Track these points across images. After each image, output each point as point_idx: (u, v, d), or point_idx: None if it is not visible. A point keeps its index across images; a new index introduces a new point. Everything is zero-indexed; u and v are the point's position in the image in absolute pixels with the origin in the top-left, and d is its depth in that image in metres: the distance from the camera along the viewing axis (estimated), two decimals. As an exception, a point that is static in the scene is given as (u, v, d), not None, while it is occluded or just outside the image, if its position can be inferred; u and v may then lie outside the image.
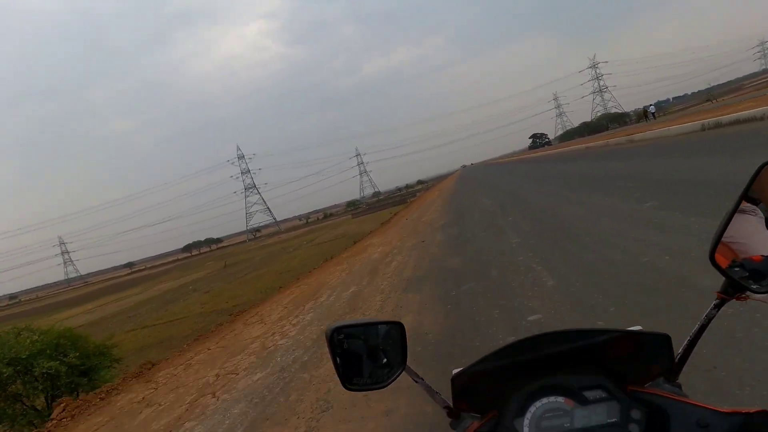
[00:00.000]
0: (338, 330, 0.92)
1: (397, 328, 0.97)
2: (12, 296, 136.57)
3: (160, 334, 12.65)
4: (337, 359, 0.92)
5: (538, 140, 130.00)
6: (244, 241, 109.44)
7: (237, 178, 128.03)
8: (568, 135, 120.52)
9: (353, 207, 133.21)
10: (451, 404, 0.85)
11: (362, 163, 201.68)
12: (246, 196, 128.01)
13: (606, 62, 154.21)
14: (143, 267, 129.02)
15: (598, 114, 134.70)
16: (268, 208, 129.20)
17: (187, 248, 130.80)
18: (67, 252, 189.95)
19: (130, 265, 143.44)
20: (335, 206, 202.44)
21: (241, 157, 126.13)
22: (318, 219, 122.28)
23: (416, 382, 0.93)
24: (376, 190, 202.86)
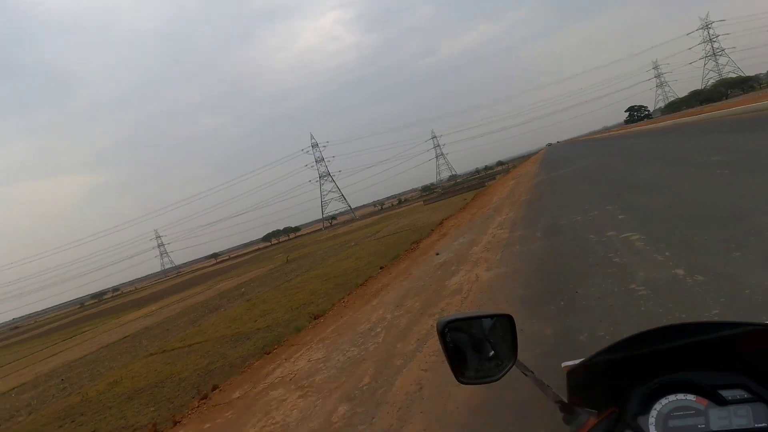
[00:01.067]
0: (449, 324, 0.97)
1: (507, 320, 1.01)
2: (115, 288, 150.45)
3: (163, 371, 10.15)
4: (449, 353, 0.97)
5: (636, 113, 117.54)
6: (320, 229, 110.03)
7: (312, 166, 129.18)
8: (673, 106, 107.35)
9: (428, 191, 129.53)
10: (563, 399, 0.85)
11: (438, 145, 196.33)
12: (321, 185, 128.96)
13: (723, 21, 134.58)
14: (226, 257, 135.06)
15: (710, 81, 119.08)
16: (342, 195, 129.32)
17: (267, 238, 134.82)
18: (162, 244, 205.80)
19: (215, 255, 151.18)
20: (413, 190, 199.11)
21: (315, 145, 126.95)
22: (392, 205, 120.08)
23: (526, 375, 0.94)
24: (453, 172, 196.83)
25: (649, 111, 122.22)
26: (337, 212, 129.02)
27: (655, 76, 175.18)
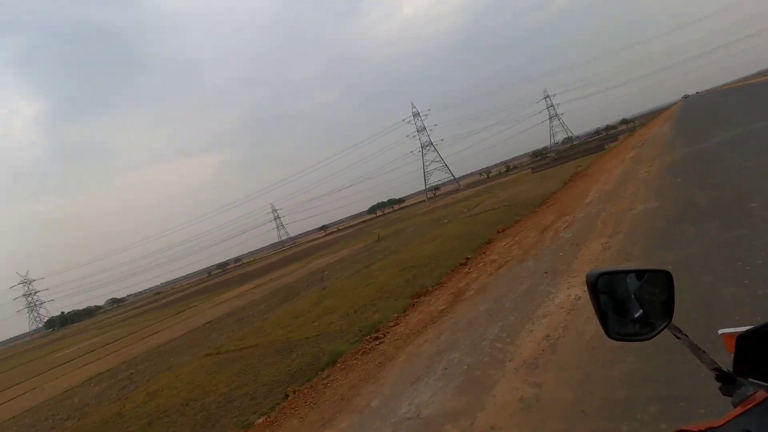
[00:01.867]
0: (601, 276, 0.93)
1: (664, 276, 0.95)
2: (237, 259, 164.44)
3: (199, 385, 8.91)
4: (599, 306, 0.93)
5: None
6: (423, 201, 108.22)
7: (414, 136, 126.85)
8: None
9: (539, 157, 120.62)
10: (722, 367, 0.79)
11: (552, 105, 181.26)
12: (423, 154, 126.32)
13: None
14: (334, 230, 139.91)
15: None
16: (445, 164, 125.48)
17: (372, 210, 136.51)
18: (279, 217, 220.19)
19: (324, 228, 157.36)
20: (525, 155, 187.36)
21: (416, 114, 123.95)
22: (499, 173, 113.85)
23: (678, 338, 0.89)
24: (569, 135, 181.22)
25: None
26: (440, 182, 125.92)
27: None
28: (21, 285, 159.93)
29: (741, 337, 0.73)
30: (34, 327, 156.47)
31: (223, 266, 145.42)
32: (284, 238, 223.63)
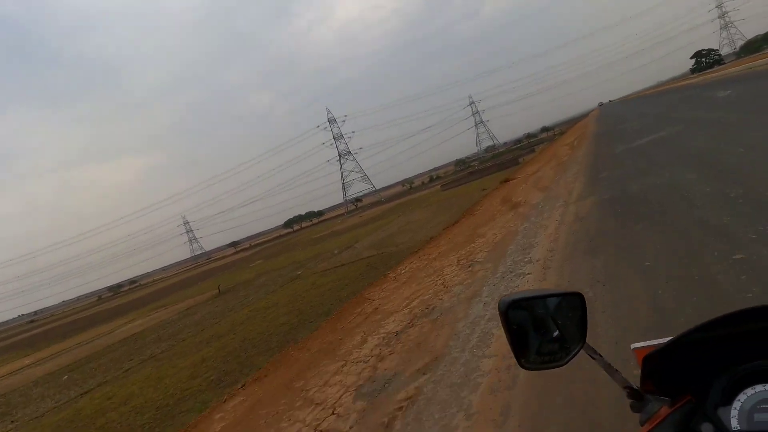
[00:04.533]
0: (513, 303, 0.91)
1: (577, 299, 0.95)
2: (133, 281, 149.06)
3: None
4: (512, 335, 0.91)
5: (704, 59, 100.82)
6: (342, 215, 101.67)
7: (331, 144, 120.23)
8: (753, 46, 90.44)
9: (462, 166, 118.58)
10: (632, 384, 0.81)
11: (477, 112, 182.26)
12: (342, 164, 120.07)
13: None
14: (248, 245, 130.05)
15: None
16: (366, 175, 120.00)
17: (288, 223, 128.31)
18: (191, 230, 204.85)
19: (234, 244, 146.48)
20: (451, 163, 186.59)
21: (332, 120, 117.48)
22: (422, 183, 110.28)
23: (593, 358, 0.89)
24: (494, 142, 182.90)
25: (720, 55, 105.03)
26: (361, 193, 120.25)
27: (719, 17, 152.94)
28: None
29: (646, 357, 0.75)
30: None
31: (116, 289, 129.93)
32: (198, 252, 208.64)
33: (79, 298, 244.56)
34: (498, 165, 46.40)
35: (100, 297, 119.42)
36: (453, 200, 27.91)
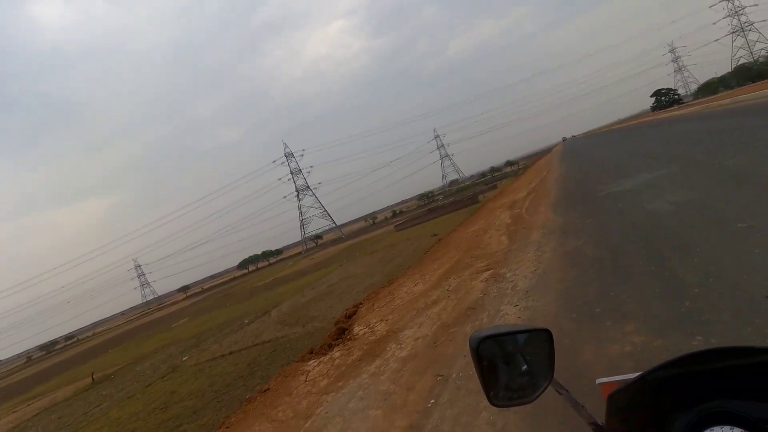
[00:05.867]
0: (484, 340, 0.93)
1: (544, 335, 0.96)
2: (69, 336, 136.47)
3: None
4: (482, 370, 0.93)
5: (664, 98, 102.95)
6: (300, 253, 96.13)
7: (288, 179, 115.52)
8: (710, 87, 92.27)
9: (426, 200, 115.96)
10: (598, 421, 0.82)
11: (442, 145, 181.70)
12: (300, 199, 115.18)
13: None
14: (199, 289, 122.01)
15: (740, 60, 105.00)
16: (326, 211, 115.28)
17: (243, 264, 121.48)
18: (142, 274, 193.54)
19: (184, 289, 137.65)
20: (417, 196, 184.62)
21: (289, 155, 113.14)
22: (385, 218, 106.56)
23: (560, 393, 0.91)
24: (459, 176, 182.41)
25: (679, 95, 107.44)
26: (321, 230, 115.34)
27: (673, 60, 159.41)
28: None
29: (611, 396, 0.77)
30: None
31: (49, 347, 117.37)
32: (150, 298, 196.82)
33: (15, 357, 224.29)
34: (456, 203, 42.88)
35: (29, 357, 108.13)
36: (400, 246, 23.88)
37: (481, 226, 15.81)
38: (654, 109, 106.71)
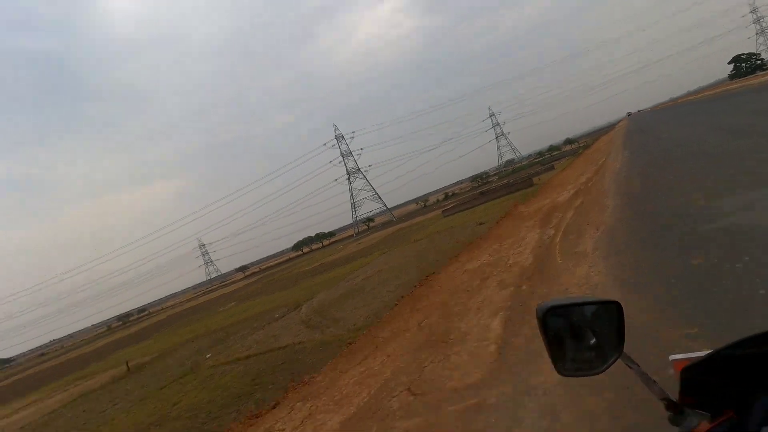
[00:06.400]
0: (551, 310, 0.91)
1: (614, 307, 0.93)
2: (141, 309, 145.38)
3: None
4: (549, 341, 0.92)
5: (745, 64, 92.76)
6: (352, 236, 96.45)
7: (339, 162, 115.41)
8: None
9: (480, 182, 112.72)
10: (670, 396, 0.79)
11: (498, 124, 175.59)
12: (351, 182, 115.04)
13: None
14: (257, 269, 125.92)
15: None
16: (376, 193, 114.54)
17: (298, 246, 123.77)
18: (207, 253, 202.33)
19: (243, 269, 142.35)
20: (473, 176, 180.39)
21: (339, 137, 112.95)
22: (437, 200, 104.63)
23: (630, 367, 0.88)
24: (516, 155, 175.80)
25: (762, 59, 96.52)
26: (372, 213, 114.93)
27: (754, 22, 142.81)
28: None
29: (685, 369, 0.74)
30: None
31: (125, 318, 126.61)
32: (214, 276, 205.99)
33: (94, 326, 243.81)
34: (508, 186, 40.49)
35: (109, 326, 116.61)
36: (443, 235, 22.46)
37: (486, 261, 11.01)
38: (732, 76, 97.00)
